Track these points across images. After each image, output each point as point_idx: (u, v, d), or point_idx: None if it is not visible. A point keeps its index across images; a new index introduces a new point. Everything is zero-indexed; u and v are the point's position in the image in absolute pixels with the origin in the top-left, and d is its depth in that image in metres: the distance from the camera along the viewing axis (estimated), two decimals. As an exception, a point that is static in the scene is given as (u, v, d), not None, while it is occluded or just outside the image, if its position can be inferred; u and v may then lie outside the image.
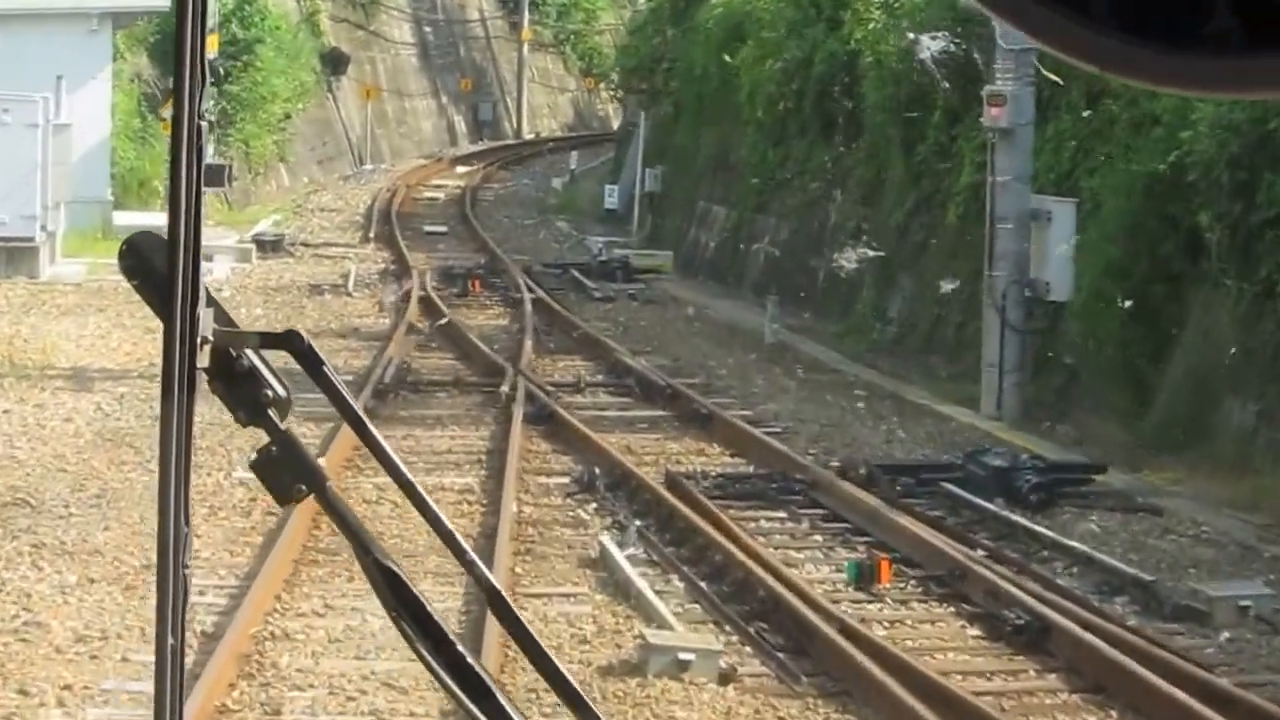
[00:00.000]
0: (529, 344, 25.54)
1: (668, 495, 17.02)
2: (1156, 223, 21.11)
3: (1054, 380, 23.12)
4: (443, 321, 27.48)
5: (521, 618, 2.16)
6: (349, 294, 31.01)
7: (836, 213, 31.56)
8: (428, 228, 42.08)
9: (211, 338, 2.08)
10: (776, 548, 15.92)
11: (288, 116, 50.06)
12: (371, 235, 39.80)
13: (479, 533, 16.00)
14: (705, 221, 37.46)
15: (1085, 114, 23.55)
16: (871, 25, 29.27)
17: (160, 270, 2.01)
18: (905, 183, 28.57)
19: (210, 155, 42.64)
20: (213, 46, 43.45)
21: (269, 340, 2.17)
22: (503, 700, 2.10)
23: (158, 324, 1.97)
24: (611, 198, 45.67)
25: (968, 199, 26.28)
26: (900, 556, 15.38)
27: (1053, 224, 22.47)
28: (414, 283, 31.17)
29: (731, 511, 16.63)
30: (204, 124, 1.99)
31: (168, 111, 36.64)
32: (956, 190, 26.68)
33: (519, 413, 20.61)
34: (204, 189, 1.98)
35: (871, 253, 29.55)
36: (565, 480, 18.07)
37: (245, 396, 2.15)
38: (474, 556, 2.24)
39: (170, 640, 2.03)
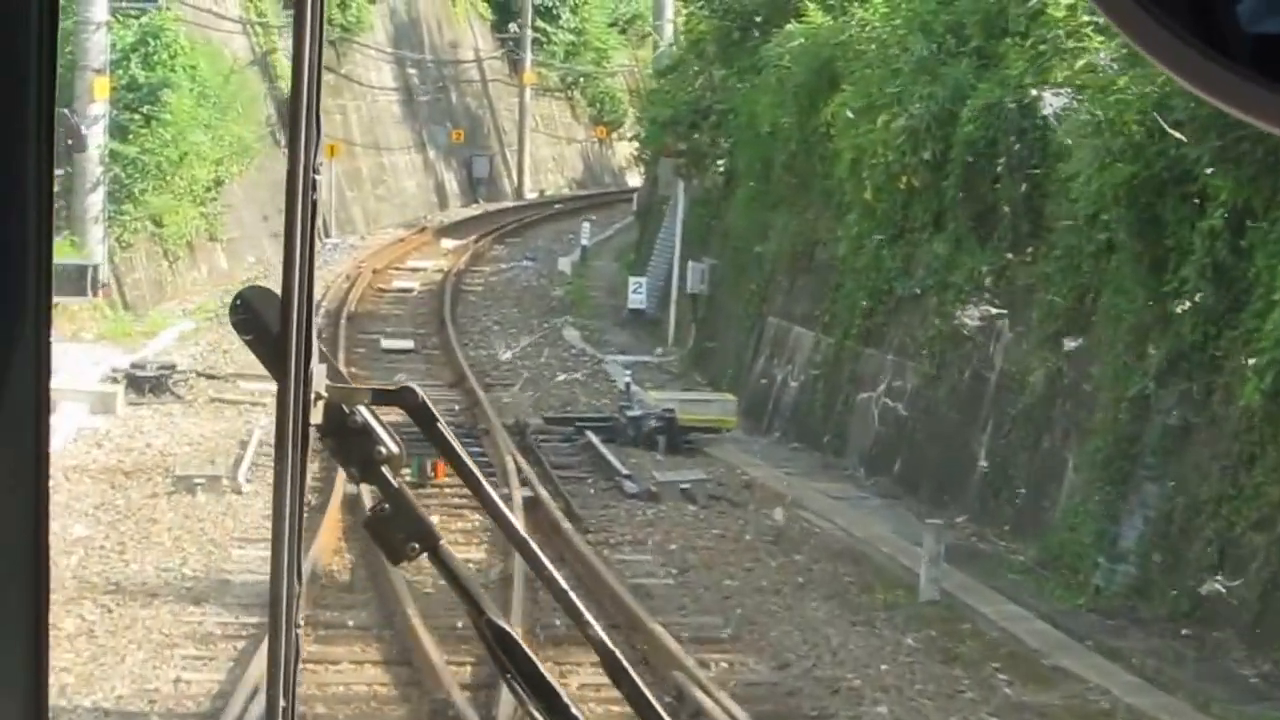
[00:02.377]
0: (518, 629, 14.09)
1: None
2: None
3: None
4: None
5: (639, 682, 2.12)
6: (237, 489, 19.56)
7: (1004, 357, 20.16)
8: (388, 342, 30.55)
9: (325, 394, 2.09)
10: None
11: (219, 183, 38.65)
12: (305, 359, 28.15)
13: None
14: (781, 348, 25.95)
15: None
16: (1084, 60, 17.83)
17: (272, 326, 2.03)
18: (1147, 324, 17.18)
19: (98, 245, 31.33)
20: (101, 92, 32.22)
21: (382, 396, 2.16)
22: None
23: None
24: (638, 293, 34.39)
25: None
26: None
27: None
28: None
29: None
30: (318, 178, 1.98)
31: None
32: (1258, 345, 15.34)
33: None
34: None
35: (1078, 433, 18.23)
36: None
37: (358, 453, 2.14)
38: (590, 618, 2.23)
39: (282, 703, 1.98)
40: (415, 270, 41.04)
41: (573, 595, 2.22)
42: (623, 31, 73.14)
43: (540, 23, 66.11)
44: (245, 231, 44.05)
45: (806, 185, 25.74)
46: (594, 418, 23.60)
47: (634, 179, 58.76)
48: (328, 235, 48.01)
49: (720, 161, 30.17)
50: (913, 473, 21.20)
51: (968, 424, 20.48)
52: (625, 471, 20.45)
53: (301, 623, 2.03)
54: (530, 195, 63.12)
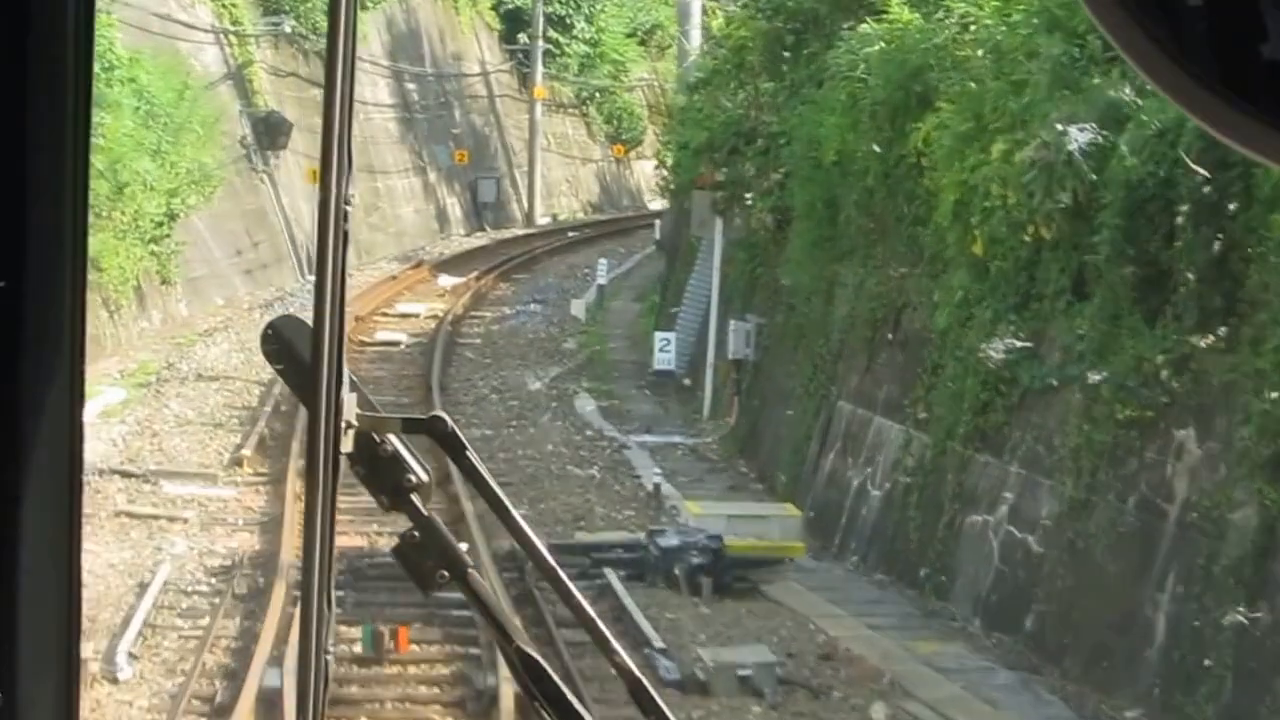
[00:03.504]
0: None
1: None
2: None
3: None
4: None
5: (665, 709, 2.07)
6: (111, 676, 13.86)
7: (1190, 482, 14.40)
8: (359, 420, 24.82)
9: (355, 422, 2.10)
10: None
11: (173, 216, 33.08)
12: (251, 447, 22.31)
13: None
14: (857, 442, 20.16)
15: None
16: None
17: (303, 355, 2.04)
18: None
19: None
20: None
21: (412, 425, 2.20)
22: None
23: None
24: (665, 351, 28.80)
25: None
26: None
27: None
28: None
29: None
30: (350, 208, 2.01)
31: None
32: None
33: None
34: None
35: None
36: None
37: (388, 481, 2.17)
38: (617, 645, 2.19)
39: None
40: (405, 317, 35.37)
41: (601, 624, 2.17)
42: (642, 42, 68.47)
43: (553, 33, 61.60)
44: (213, 269, 38.61)
45: (888, 231, 20.01)
46: (615, 545, 17.79)
47: (655, 203, 53.73)
48: (309, 271, 42.55)
49: (769, 196, 24.39)
50: (1053, 635, 15.45)
51: (1136, 573, 14.73)
52: (659, 643, 14.65)
53: (331, 649, 2.01)
54: (542, 221, 58.01)
